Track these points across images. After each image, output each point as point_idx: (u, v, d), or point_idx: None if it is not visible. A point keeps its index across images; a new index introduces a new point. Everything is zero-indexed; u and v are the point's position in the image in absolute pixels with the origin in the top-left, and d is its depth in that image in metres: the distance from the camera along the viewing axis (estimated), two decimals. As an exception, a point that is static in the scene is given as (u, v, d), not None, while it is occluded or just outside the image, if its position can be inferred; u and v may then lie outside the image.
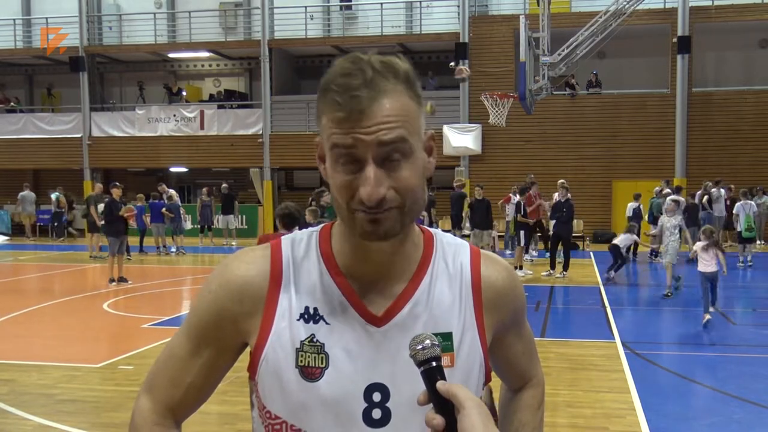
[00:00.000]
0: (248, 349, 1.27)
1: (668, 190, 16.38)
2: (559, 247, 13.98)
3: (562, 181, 15.26)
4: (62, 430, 5.47)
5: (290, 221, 6.61)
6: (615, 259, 12.89)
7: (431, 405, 1.05)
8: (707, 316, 9.12)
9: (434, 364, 1.06)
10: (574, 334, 9.16)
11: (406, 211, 1.16)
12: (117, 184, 14.14)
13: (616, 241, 13.19)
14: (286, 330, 1.22)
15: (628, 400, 6.09)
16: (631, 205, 16.61)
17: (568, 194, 13.99)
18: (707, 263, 9.28)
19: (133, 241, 16.93)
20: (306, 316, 1.22)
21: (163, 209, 18.34)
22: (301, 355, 1.20)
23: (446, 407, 1.03)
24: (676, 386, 6.68)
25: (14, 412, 5.88)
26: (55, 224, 22.84)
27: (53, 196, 22.42)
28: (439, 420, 1.02)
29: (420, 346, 1.06)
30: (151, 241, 18.70)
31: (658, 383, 6.74)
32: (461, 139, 21.30)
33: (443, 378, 1.05)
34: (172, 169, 24.76)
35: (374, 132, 1.11)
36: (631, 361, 7.40)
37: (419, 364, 1.06)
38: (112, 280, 13.04)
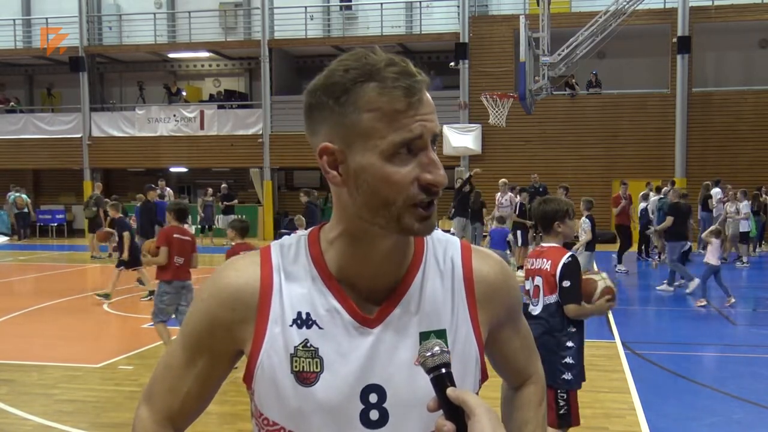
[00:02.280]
0: (244, 358, 1.26)
1: (663, 189, 16.44)
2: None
3: (503, 180, 15.52)
4: (62, 430, 5.47)
5: (181, 215, 7.32)
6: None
7: (441, 411, 1.05)
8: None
9: (444, 370, 1.06)
10: (574, 334, 9.15)
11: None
12: (153, 186, 14.16)
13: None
14: (279, 336, 1.21)
15: (628, 400, 6.10)
16: (641, 206, 16.60)
17: (566, 195, 14.03)
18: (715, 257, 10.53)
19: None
20: (298, 321, 1.21)
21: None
22: (296, 361, 1.19)
23: (456, 413, 1.03)
24: (676, 386, 6.67)
25: (14, 412, 5.89)
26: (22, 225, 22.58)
27: (10, 198, 22.12)
28: (449, 426, 1.02)
29: (429, 353, 1.07)
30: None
31: (658, 383, 6.74)
32: (461, 139, 21.30)
33: (453, 384, 1.05)
34: (172, 169, 24.76)
35: (431, 119, 1.14)
36: (631, 361, 7.40)
37: (429, 371, 1.07)
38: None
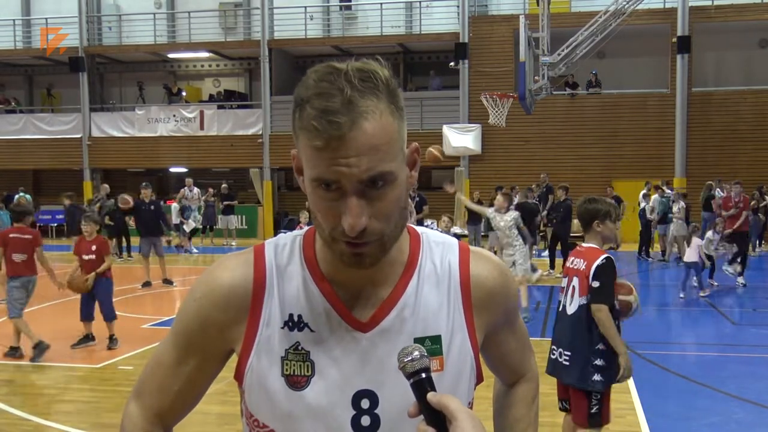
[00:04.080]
0: (235, 356, 1.25)
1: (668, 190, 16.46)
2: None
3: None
4: (62, 430, 5.48)
5: (21, 215, 7.99)
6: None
7: (422, 417, 1.04)
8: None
9: (423, 375, 1.04)
10: (574, 334, 9.12)
11: (387, 238, 1.12)
12: (147, 184, 14.24)
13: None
14: (270, 338, 1.19)
15: (628, 400, 6.10)
16: (642, 206, 16.62)
17: (566, 194, 14.11)
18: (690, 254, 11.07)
19: (133, 241, 16.92)
20: (290, 323, 1.20)
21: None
22: (287, 364, 1.18)
23: (438, 418, 1.01)
24: (676, 386, 6.68)
25: (14, 412, 5.89)
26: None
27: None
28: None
29: (408, 358, 1.05)
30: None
31: (658, 383, 6.74)
32: (461, 139, 21.29)
33: (433, 389, 1.04)
34: (172, 170, 24.75)
35: (355, 164, 1.04)
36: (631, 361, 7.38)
37: (408, 376, 1.05)
38: (166, 281, 13.25)
